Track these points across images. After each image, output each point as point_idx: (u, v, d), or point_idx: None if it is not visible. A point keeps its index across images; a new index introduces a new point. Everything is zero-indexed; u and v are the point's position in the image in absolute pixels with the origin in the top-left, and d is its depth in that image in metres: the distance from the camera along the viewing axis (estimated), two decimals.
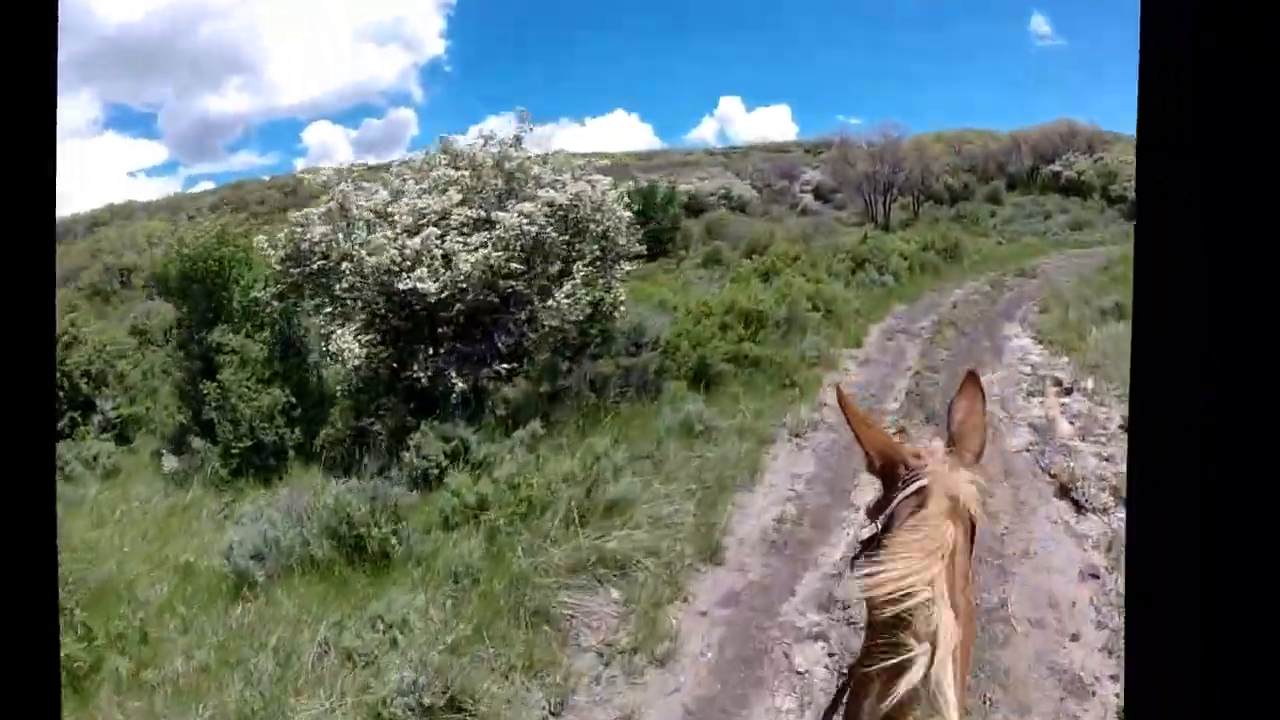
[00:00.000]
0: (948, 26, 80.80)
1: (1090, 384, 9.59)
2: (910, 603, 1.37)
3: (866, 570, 1.47)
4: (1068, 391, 9.61)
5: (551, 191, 9.12)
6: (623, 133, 76.52)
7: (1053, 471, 7.47)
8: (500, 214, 8.82)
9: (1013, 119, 61.74)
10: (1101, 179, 32.16)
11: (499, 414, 8.80)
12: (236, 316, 11.83)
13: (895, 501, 1.58)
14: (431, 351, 9.03)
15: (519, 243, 8.74)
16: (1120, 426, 8.35)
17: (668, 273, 19.49)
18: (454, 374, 8.82)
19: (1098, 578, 5.85)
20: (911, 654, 1.35)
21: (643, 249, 10.56)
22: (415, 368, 8.99)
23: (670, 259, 21.54)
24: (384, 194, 9.80)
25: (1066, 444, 8.03)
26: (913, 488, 1.55)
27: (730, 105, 78.92)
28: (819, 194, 38.24)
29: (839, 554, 6.16)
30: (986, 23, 76.54)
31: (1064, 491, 7.12)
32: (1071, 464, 7.54)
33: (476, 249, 8.61)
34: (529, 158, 9.64)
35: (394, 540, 6.44)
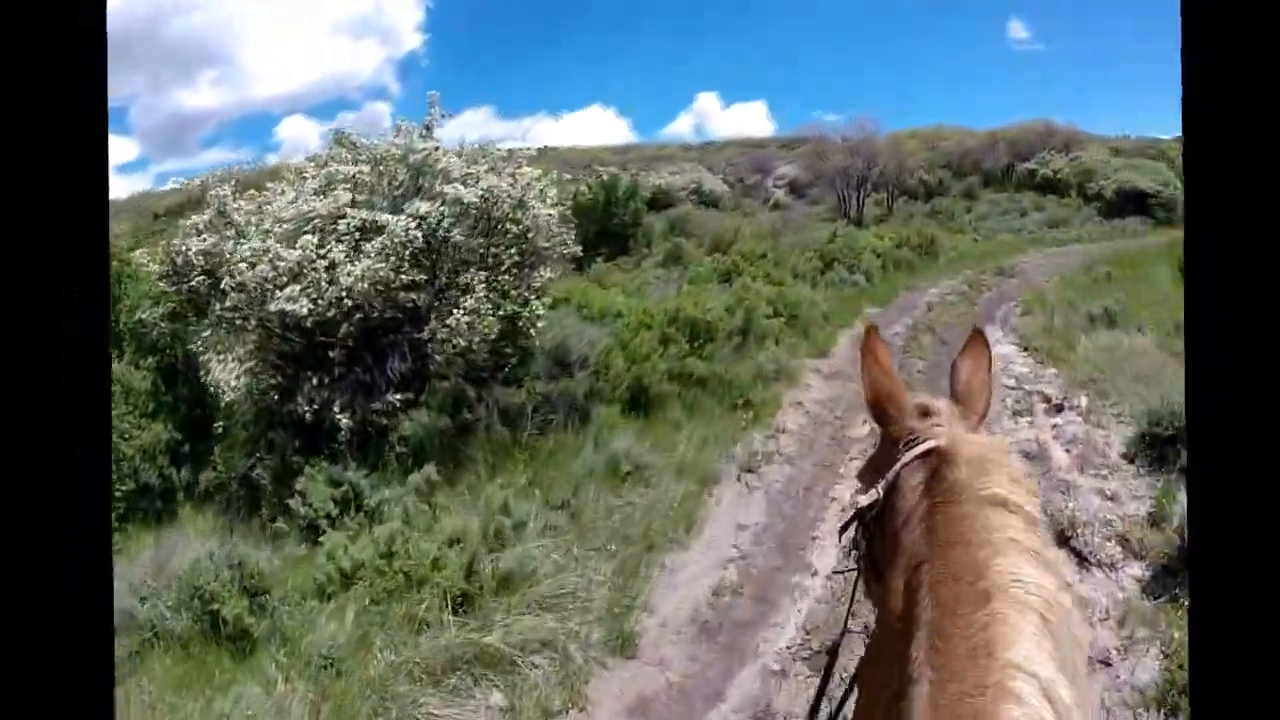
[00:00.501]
0: (926, 30, 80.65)
1: (1084, 402, 8.40)
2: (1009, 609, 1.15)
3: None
4: (1058, 409, 8.42)
5: (459, 188, 7.76)
6: (599, 127, 75.85)
7: (1049, 513, 6.30)
8: (388, 217, 7.46)
9: (990, 121, 61.07)
10: (1078, 177, 31.42)
11: (399, 452, 7.45)
12: (124, 341, 10.41)
13: (900, 464, 1.42)
14: (316, 380, 7.66)
15: (408, 250, 7.40)
16: (1122, 455, 7.18)
17: (626, 272, 18.09)
18: (337, 407, 7.47)
19: (1108, 665, 4.72)
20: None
21: (577, 250, 9.21)
22: (299, 399, 7.64)
23: (631, 257, 20.17)
24: (290, 195, 8.49)
25: (1063, 478, 6.85)
26: (919, 449, 1.41)
27: (707, 101, 78.14)
28: (793, 189, 37.18)
29: (785, 639, 4.89)
30: (964, 26, 76.45)
31: (1063, 539, 5.98)
32: (1070, 504, 6.42)
33: (362, 259, 7.28)
34: (437, 148, 8.24)
35: (249, 617, 5.22)
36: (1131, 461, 7.02)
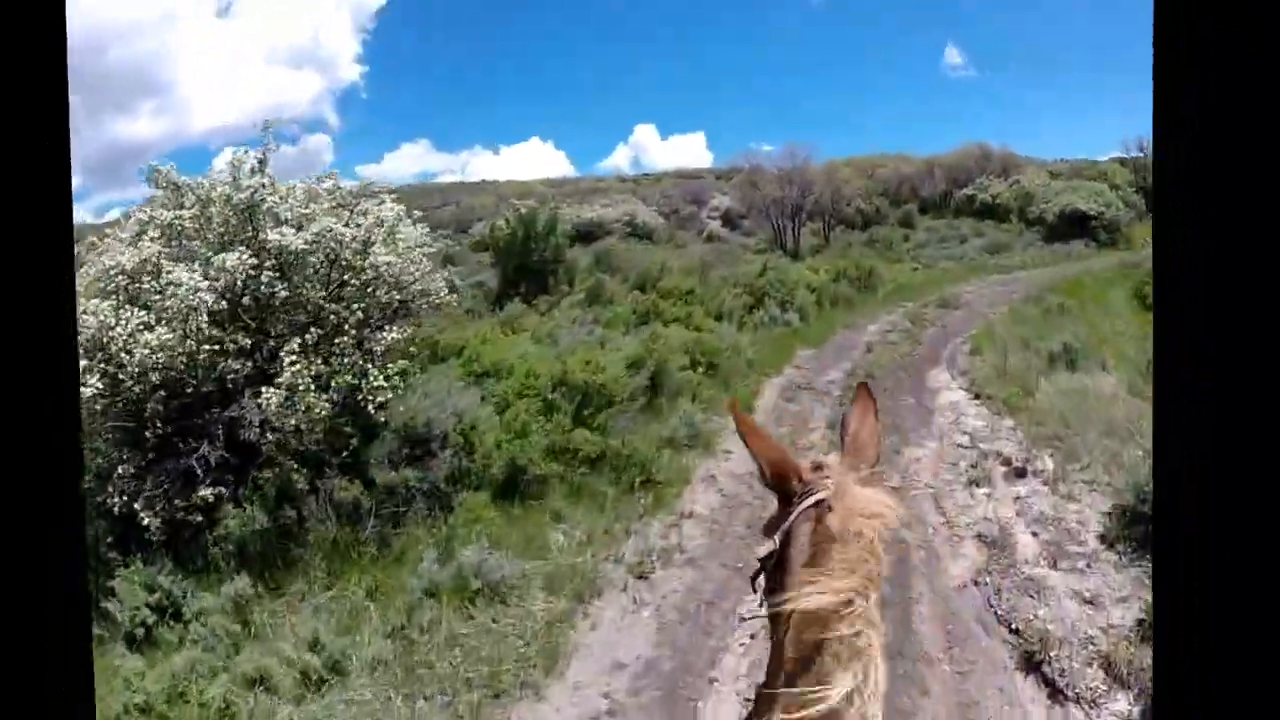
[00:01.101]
0: (864, 58, 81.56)
1: (1049, 464, 7.13)
2: (843, 629, 1.32)
3: (809, 585, 1.37)
4: (1020, 474, 7.12)
5: (285, 232, 6.28)
6: (538, 160, 75.20)
7: (1014, 625, 5.01)
8: (182, 275, 5.97)
9: (926, 148, 61.43)
10: (1018, 201, 30.72)
11: (224, 549, 5.98)
12: None
13: (793, 516, 1.53)
14: (122, 470, 6.23)
15: (200, 314, 5.93)
16: (1099, 537, 5.89)
17: (543, 313, 16.58)
18: (140, 502, 6.02)
19: None
20: (831, 684, 1.28)
21: (451, 299, 7.76)
22: (110, 490, 6.21)
23: (551, 295, 18.69)
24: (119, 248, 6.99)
25: (1030, 575, 5.52)
26: (809, 501, 1.51)
27: (645, 133, 77.73)
28: (727, 220, 36.18)
29: None
30: (901, 54, 77.52)
31: (1031, 664, 4.69)
32: (1040, 612, 5.15)
33: (154, 326, 5.83)
34: (264, 185, 6.71)
35: None
36: (1112, 547, 5.73)
